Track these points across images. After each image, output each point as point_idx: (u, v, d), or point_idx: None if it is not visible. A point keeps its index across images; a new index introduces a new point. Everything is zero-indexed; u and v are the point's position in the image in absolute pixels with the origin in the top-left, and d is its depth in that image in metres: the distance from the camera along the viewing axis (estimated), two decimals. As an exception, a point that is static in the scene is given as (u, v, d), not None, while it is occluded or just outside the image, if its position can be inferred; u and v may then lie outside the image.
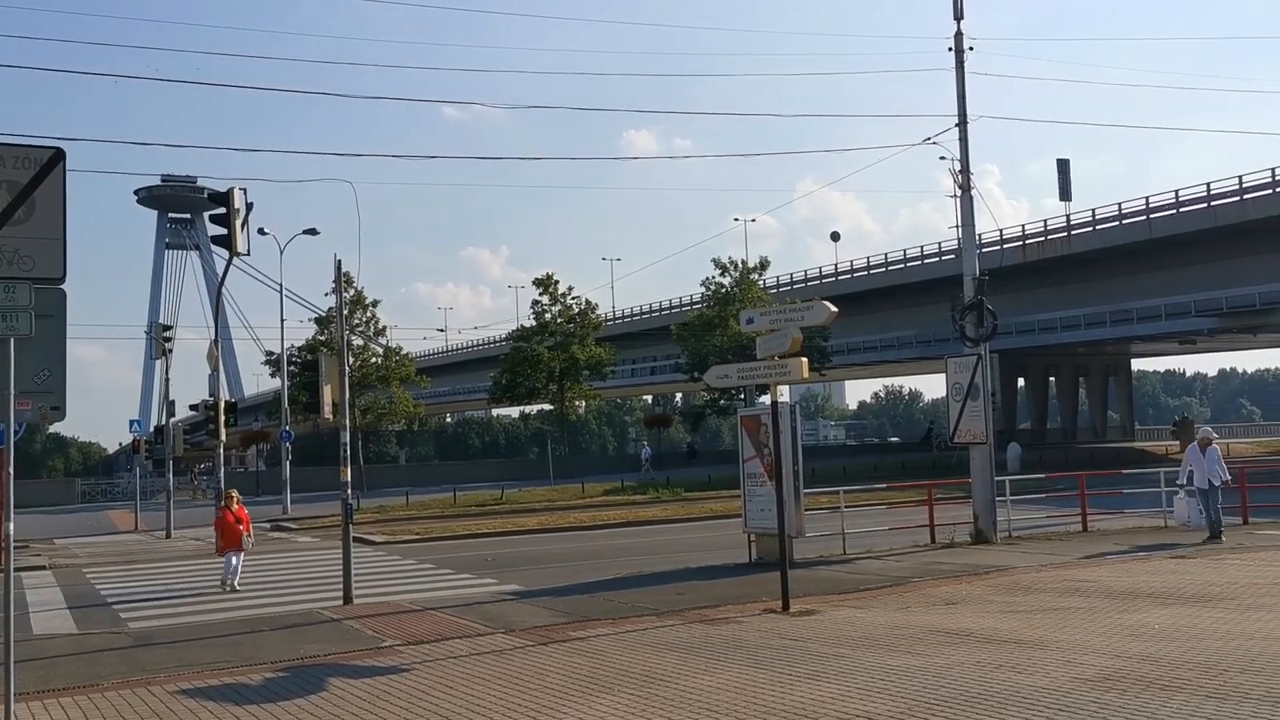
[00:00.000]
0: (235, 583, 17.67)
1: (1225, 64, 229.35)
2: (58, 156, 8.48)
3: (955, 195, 21.30)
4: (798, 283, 66.67)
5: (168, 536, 30.73)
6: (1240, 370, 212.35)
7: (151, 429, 44.75)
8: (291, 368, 48.65)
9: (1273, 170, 44.98)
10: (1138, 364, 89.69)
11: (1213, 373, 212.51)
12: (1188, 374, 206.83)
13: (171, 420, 35.32)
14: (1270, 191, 44.90)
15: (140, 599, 17.61)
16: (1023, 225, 56.13)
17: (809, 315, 13.80)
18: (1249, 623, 10.75)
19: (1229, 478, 19.63)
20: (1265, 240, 45.43)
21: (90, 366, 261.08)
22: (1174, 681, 8.31)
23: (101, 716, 8.84)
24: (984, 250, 37.81)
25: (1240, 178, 46.28)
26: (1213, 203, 47.22)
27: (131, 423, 43.17)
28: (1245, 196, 45.84)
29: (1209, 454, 19.35)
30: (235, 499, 18.41)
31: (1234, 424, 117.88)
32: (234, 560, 17.80)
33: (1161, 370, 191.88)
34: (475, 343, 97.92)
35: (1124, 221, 50.85)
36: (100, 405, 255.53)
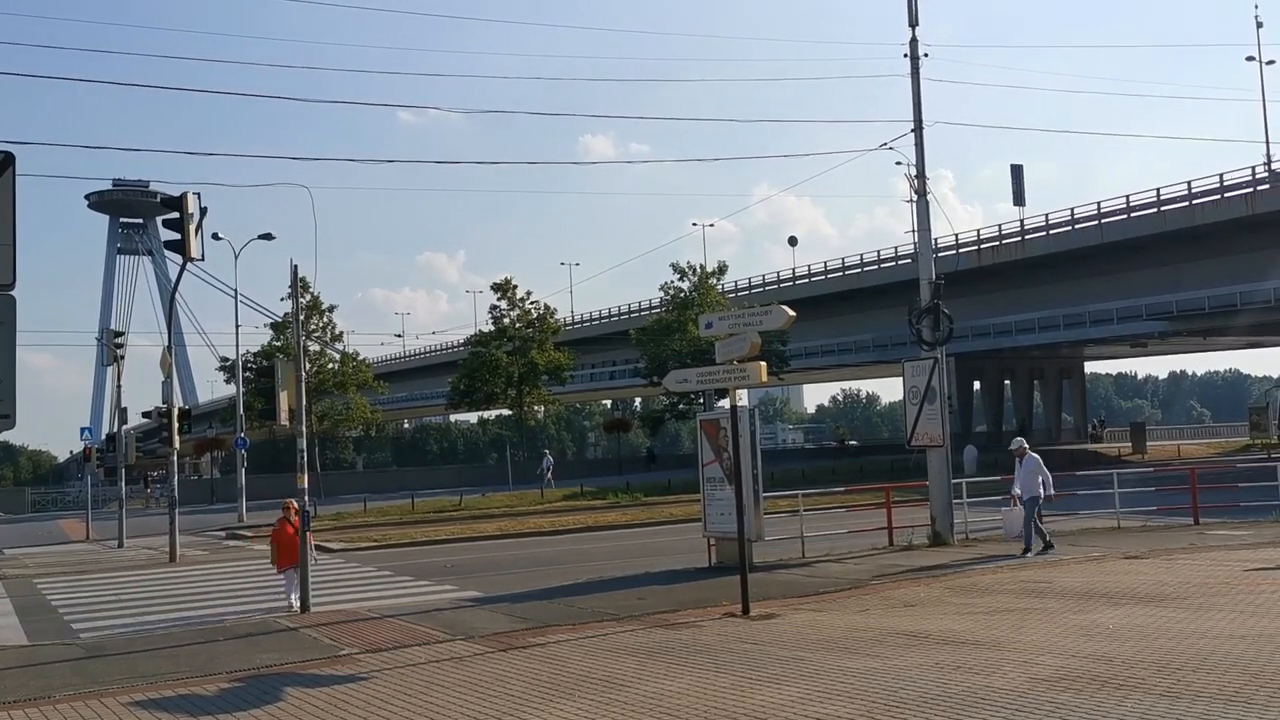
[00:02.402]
0: (295, 599, 16.06)
1: (1164, 71, 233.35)
2: (7, 160, 8.32)
3: (911, 200, 21.52)
4: (756, 287, 66.85)
5: (120, 546, 30.30)
6: (1190, 372, 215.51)
7: (103, 437, 44.11)
8: (247, 374, 48.11)
9: (1220, 176, 45.77)
10: (1090, 366, 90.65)
11: (1163, 375, 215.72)
12: (1139, 376, 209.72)
13: (124, 428, 34.87)
14: (1218, 197, 45.63)
15: (92, 609, 17.35)
16: (978, 230, 56.70)
17: (767, 319, 13.83)
18: (1201, 622, 10.90)
19: (1024, 492, 18.06)
20: (1214, 245, 46.18)
21: (40, 374, 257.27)
22: (1128, 681, 8.40)
23: (53, 730, 8.69)
24: (940, 254, 38.22)
25: (1189, 183, 47.02)
26: (1162, 208, 47.91)
27: (83, 430, 42.36)
28: (1194, 202, 46.55)
29: (1024, 464, 18.19)
30: (294, 510, 16.58)
31: (1184, 425, 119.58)
32: (295, 576, 16.19)
33: (1114, 373, 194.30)
34: (433, 348, 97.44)
35: (1076, 226, 51.46)
36: (51, 413, 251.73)
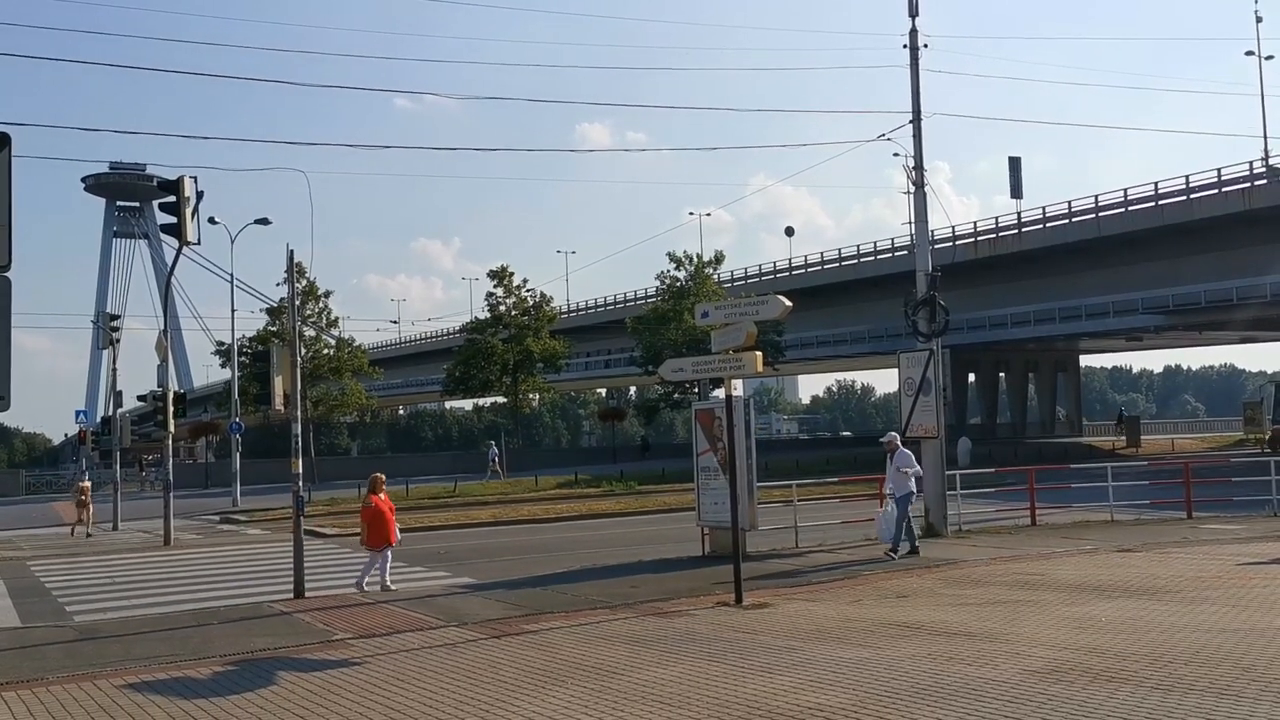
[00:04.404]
0: (389, 580, 15.73)
1: (1164, 65, 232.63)
2: (3, 141, 8.29)
3: (909, 192, 21.44)
4: (752, 277, 66.91)
5: (115, 529, 30.29)
6: (1185, 367, 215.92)
7: (98, 420, 44.06)
8: (242, 359, 48.01)
9: (1218, 171, 45.78)
10: (1085, 360, 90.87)
11: (1158, 369, 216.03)
12: (1134, 370, 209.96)
13: (119, 411, 34.82)
14: (1216, 192, 45.64)
15: (86, 592, 17.34)
16: (974, 222, 56.75)
17: (764, 310, 13.81)
18: (1193, 615, 10.94)
19: (895, 490, 17.16)
20: (1211, 240, 46.21)
21: (35, 356, 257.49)
22: (1120, 673, 8.43)
23: (46, 711, 8.68)
24: (937, 246, 38.10)
25: (1187, 178, 47.03)
26: (1160, 202, 47.92)
27: (78, 413, 42.46)
28: (1192, 196, 46.56)
29: (896, 459, 17.15)
30: (382, 482, 16.30)
31: (1178, 419, 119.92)
32: (387, 556, 15.82)
33: (1109, 367, 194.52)
34: (428, 335, 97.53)
35: (1074, 219, 51.48)
36: (46, 396, 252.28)
